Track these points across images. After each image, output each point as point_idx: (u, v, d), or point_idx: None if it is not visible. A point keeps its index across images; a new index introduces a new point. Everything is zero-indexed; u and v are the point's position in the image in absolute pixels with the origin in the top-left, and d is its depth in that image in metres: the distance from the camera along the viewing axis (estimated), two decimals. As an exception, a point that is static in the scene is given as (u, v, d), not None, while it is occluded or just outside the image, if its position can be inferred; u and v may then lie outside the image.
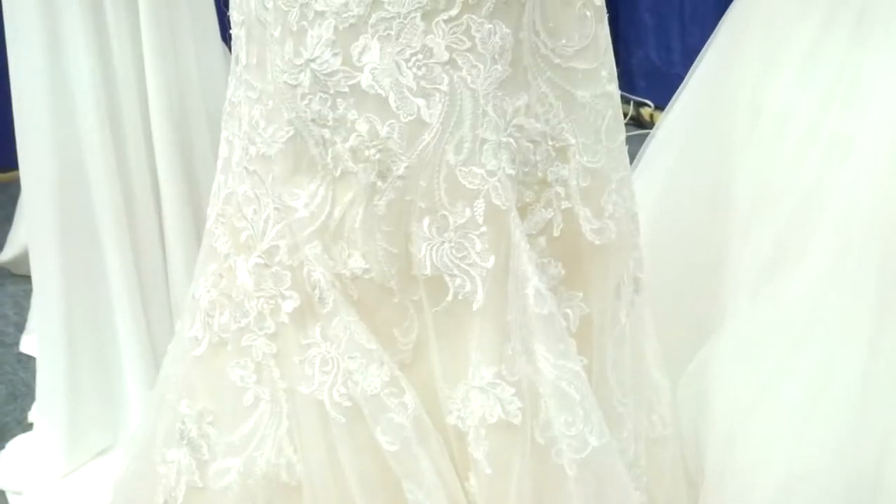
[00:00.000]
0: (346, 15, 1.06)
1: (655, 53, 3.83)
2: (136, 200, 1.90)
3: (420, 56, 1.06)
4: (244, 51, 1.17)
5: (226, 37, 2.30)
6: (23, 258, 2.59)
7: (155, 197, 1.93)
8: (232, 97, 1.22)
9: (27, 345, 2.42)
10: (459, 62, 1.07)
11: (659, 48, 3.82)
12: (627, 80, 3.93)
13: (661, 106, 3.82)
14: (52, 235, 1.90)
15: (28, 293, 2.47)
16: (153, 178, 1.92)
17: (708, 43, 1.73)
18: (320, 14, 1.07)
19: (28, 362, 2.35)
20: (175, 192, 1.91)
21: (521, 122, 1.12)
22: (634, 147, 3.79)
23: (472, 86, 1.08)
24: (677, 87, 3.68)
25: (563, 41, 1.14)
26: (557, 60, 1.14)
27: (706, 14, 3.57)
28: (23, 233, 2.63)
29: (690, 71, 1.75)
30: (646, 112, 3.85)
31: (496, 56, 1.08)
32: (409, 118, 1.07)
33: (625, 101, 3.88)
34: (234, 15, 1.19)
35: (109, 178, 1.86)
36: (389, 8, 1.05)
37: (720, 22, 1.70)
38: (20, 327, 2.51)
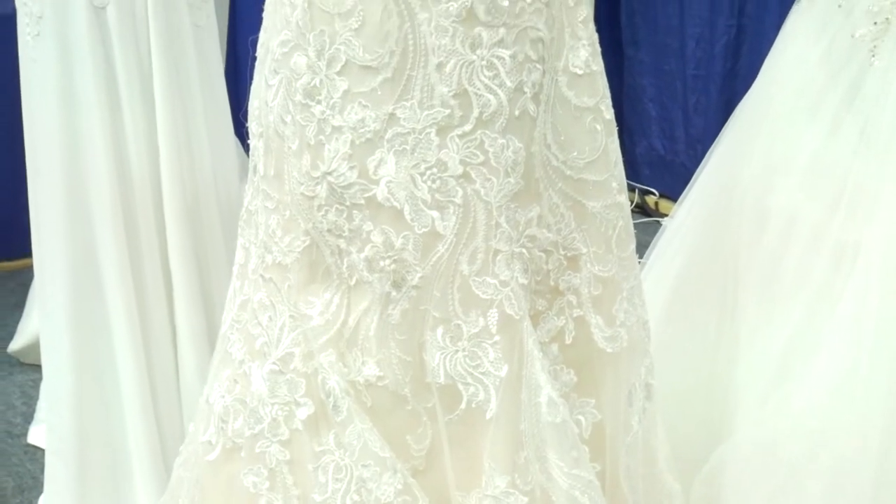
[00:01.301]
0: (362, 130, 1.09)
1: (660, 143, 3.89)
2: (148, 296, 1.92)
3: (435, 170, 1.09)
4: (262, 162, 1.20)
5: (238, 129, 2.35)
6: (32, 348, 2.60)
7: (167, 293, 1.94)
8: (249, 205, 1.24)
9: (35, 436, 2.41)
10: (473, 175, 1.09)
11: (663, 138, 3.88)
12: (632, 169, 3.98)
13: (665, 194, 3.87)
14: (63, 328, 1.91)
15: (37, 383, 2.48)
16: (166, 274, 1.94)
17: (716, 142, 1.76)
18: (337, 129, 1.10)
19: (36, 454, 2.34)
20: (187, 289, 1.92)
21: (534, 232, 1.15)
22: (641, 235, 3.82)
23: (485, 198, 1.10)
24: (681, 176, 3.75)
25: (574, 154, 1.17)
26: (569, 172, 1.17)
27: (709, 105, 3.64)
28: (33, 322, 2.64)
29: (699, 168, 1.77)
30: (650, 200, 3.89)
31: (509, 169, 1.10)
32: (424, 230, 1.09)
33: (630, 188, 3.92)
34: (253, 126, 1.22)
35: (122, 273, 1.88)
36: (405, 124, 1.08)
37: (727, 122, 1.74)
38: (28, 418, 2.51)
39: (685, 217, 1.80)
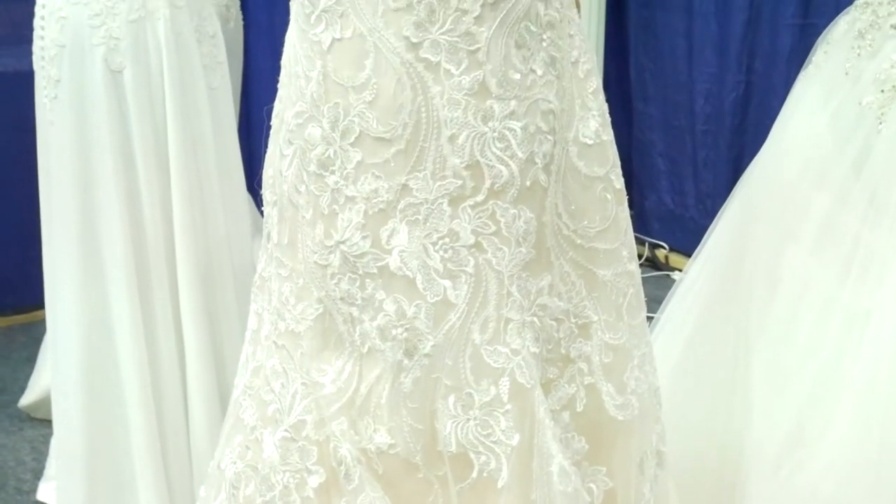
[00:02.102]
0: (375, 200, 1.10)
1: (669, 197, 3.90)
2: (160, 356, 1.93)
3: (447, 240, 1.10)
4: (276, 230, 1.21)
5: (251, 185, 2.37)
6: (44, 403, 2.60)
7: (179, 353, 1.95)
8: (263, 272, 1.26)
9: (45, 493, 2.40)
10: (485, 245, 1.10)
11: (673, 192, 3.89)
12: (642, 223, 3.99)
13: (676, 248, 3.88)
14: (75, 387, 1.92)
15: (47, 438, 2.48)
16: (178, 333, 1.94)
17: (726, 203, 1.77)
18: (351, 199, 1.11)
19: (45, 511, 2.33)
20: (199, 349, 1.93)
21: (545, 301, 1.15)
22: (652, 289, 3.82)
23: (497, 268, 1.11)
24: (692, 230, 3.76)
25: (585, 223, 1.18)
26: (579, 241, 1.18)
27: (718, 160, 3.65)
28: (45, 378, 2.64)
29: (711, 227, 1.78)
30: (661, 254, 3.90)
31: (520, 239, 1.12)
32: (436, 299, 1.10)
33: (640, 242, 3.93)
34: (267, 195, 1.23)
35: (135, 332, 1.89)
36: (417, 194, 1.09)
37: (737, 185, 1.75)
38: (38, 474, 2.50)
39: (697, 276, 1.81)
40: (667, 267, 3.85)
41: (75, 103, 1.83)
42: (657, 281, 3.73)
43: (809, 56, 1.66)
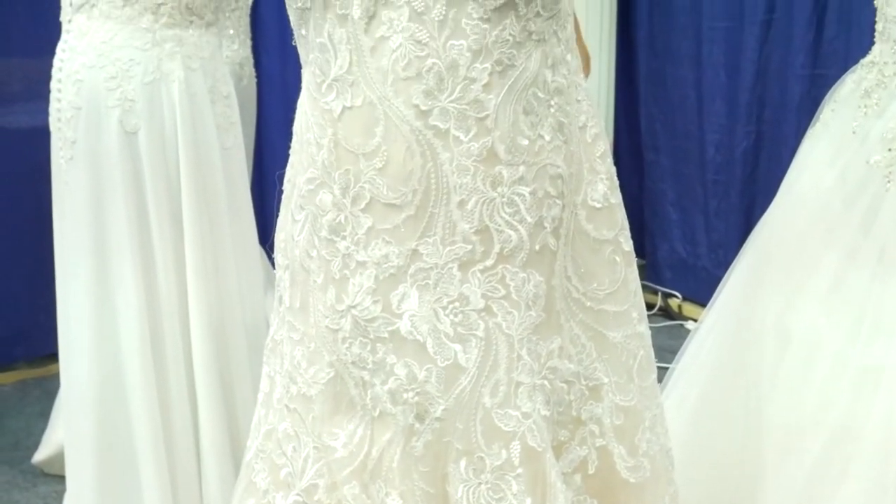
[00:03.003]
0: (386, 265, 1.11)
1: (681, 246, 3.91)
2: (173, 417, 1.93)
3: (457, 304, 1.11)
4: (288, 293, 1.22)
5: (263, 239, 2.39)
6: (57, 459, 2.60)
7: (192, 414, 1.95)
8: (275, 335, 1.26)
9: (57, 550, 2.40)
10: (495, 309, 1.11)
11: (685, 241, 3.89)
12: (655, 272, 3.99)
13: (688, 297, 3.87)
14: (89, 447, 1.92)
15: (60, 494, 2.47)
16: (191, 394, 1.95)
17: (736, 259, 1.78)
18: (362, 264, 1.12)
19: (57, 569, 2.33)
20: (212, 410, 1.93)
21: (555, 364, 1.16)
22: (665, 338, 3.80)
23: (507, 331, 1.12)
24: (704, 279, 3.76)
25: (595, 285, 1.19)
26: (589, 304, 1.18)
27: (730, 210, 3.66)
28: (58, 434, 2.64)
29: (722, 283, 1.78)
30: (674, 303, 3.89)
31: (530, 303, 1.12)
32: (447, 363, 1.11)
33: (653, 291, 3.93)
34: (279, 258, 1.25)
35: (148, 392, 1.90)
36: (428, 259, 1.10)
37: (747, 241, 1.75)
38: (51, 531, 2.50)
39: (709, 330, 1.81)
40: (680, 316, 3.84)
41: (90, 164, 1.85)
42: (670, 331, 3.73)
43: (817, 114, 1.68)
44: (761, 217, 3.39)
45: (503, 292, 1.11)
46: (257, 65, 2.91)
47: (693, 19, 3.70)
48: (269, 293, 2.46)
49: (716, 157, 3.69)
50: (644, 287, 3.91)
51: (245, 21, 2.58)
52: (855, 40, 3.11)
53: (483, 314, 1.11)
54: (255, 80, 2.73)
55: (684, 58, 3.77)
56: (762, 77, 3.49)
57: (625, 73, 4.15)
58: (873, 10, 1.67)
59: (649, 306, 3.89)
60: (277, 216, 1.27)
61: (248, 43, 2.66)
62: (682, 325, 3.79)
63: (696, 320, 3.76)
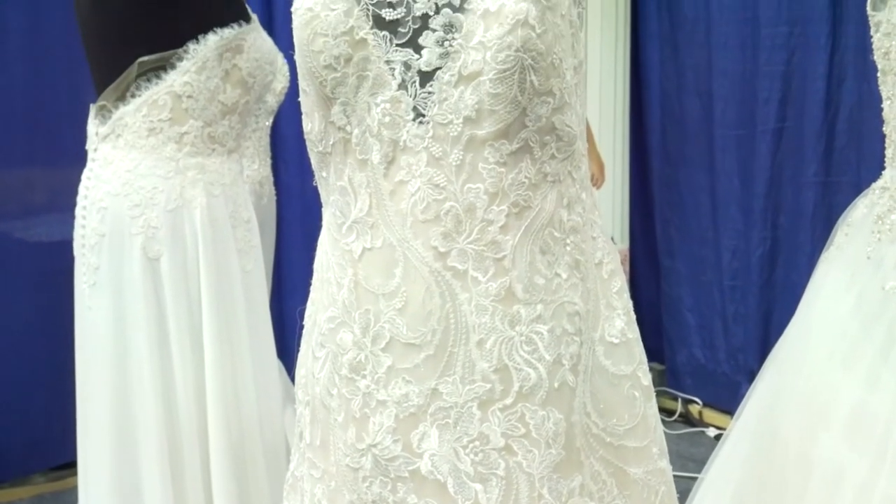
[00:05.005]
0: (406, 404, 1.12)
1: (700, 352, 3.89)
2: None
3: (477, 443, 1.11)
4: (308, 430, 1.23)
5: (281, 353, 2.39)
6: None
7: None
8: (295, 471, 1.27)
9: None
10: (515, 448, 1.11)
11: (703, 347, 3.88)
12: (674, 378, 3.97)
13: (709, 403, 3.84)
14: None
15: None
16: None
17: (756, 380, 1.77)
18: (382, 403, 1.13)
19: None
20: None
21: (577, 501, 1.15)
22: (687, 446, 3.75)
23: (527, 470, 1.11)
24: (725, 385, 3.73)
25: (614, 421, 1.19)
26: (609, 439, 1.18)
27: (748, 315, 3.66)
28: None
29: (737, 413, 1.77)
30: (694, 409, 3.86)
31: (550, 441, 1.12)
32: (468, 502, 1.10)
33: (673, 398, 3.91)
34: (300, 394, 1.25)
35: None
36: (447, 398, 1.11)
37: (765, 363, 1.75)
38: None
39: (727, 459, 1.80)
40: (701, 423, 3.80)
41: (113, 289, 1.88)
42: (692, 438, 3.68)
43: (830, 237, 1.69)
44: (779, 322, 3.41)
45: (523, 430, 1.12)
46: (277, 181, 2.96)
47: (705, 127, 3.75)
48: (288, 408, 2.46)
49: (732, 263, 3.70)
50: (664, 393, 3.91)
51: (265, 141, 2.64)
52: (867, 149, 3.15)
53: (503, 453, 1.11)
54: (274, 198, 2.78)
55: (697, 164, 3.81)
56: (776, 184, 3.52)
57: (639, 178, 4.20)
58: (882, 122, 1.70)
59: (669, 413, 3.87)
60: (298, 352, 1.28)
61: (269, 162, 2.72)
62: (703, 431, 3.75)
63: (717, 427, 3.73)
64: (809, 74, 3.35)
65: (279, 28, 3.35)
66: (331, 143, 1.15)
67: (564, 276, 1.14)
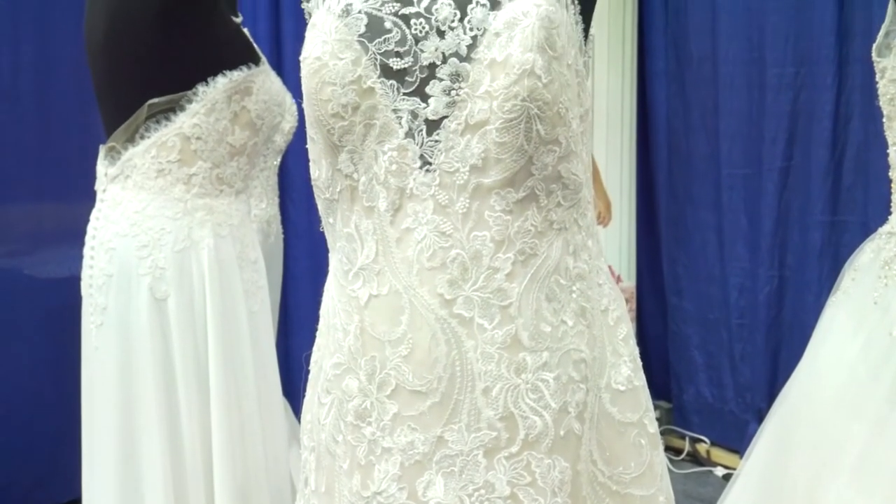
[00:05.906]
0: (411, 452, 1.12)
1: (708, 390, 3.87)
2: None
3: (483, 491, 1.11)
4: (313, 476, 1.22)
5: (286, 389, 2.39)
6: None
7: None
8: (301, 517, 1.26)
9: None
10: (521, 496, 1.11)
11: (711, 385, 3.86)
12: (682, 417, 3.95)
13: (717, 442, 3.82)
14: None
15: None
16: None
17: (763, 424, 1.77)
18: (387, 450, 1.13)
19: None
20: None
21: (583, 550, 1.15)
22: (694, 485, 3.72)
23: (533, 522, 1.11)
24: (732, 424, 3.71)
25: (620, 468, 1.18)
26: (615, 487, 1.18)
27: (755, 353, 3.64)
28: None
29: (744, 459, 1.77)
30: (702, 448, 3.83)
31: (556, 489, 1.12)
32: None
33: (680, 437, 3.88)
34: (305, 440, 1.25)
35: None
36: (453, 446, 1.11)
37: (773, 407, 1.74)
38: None
39: (739, 495, 1.78)
40: (709, 462, 3.78)
41: (120, 330, 1.88)
42: (699, 477, 3.66)
43: (837, 281, 1.69)
44: (787, 360, 3.40)
45: (529, 479, 1.11)
46: (284, 218, 2.96)
47: (712, 166, 3.75)
48: (294, 448, 2.45)
49: (739, 301, 3.69)
50: (671, 431, 3.89)
51: (273, 180, 2.65)
52: (873, 189, 3.15)
53: (509, 501, 1.11)
54: (282, 236, 2.78)
55: (704, 202, 3.81)
56: (783, 223, 3.52)
57: (646, 216, 4.20)
58: (888, 166, 1.70)
59: (677, 451, 3.84)
60: (303, 396, 1.28)
61: (276, 201, 2.72)
62: (710, 471, 3.72)
63: (725, 466, 3.71)
64: (816, 114, 3.35)
65: (288, 71, 3.38)
66: (338, 190, 1.16)
67: (570, 323, 1.14)
